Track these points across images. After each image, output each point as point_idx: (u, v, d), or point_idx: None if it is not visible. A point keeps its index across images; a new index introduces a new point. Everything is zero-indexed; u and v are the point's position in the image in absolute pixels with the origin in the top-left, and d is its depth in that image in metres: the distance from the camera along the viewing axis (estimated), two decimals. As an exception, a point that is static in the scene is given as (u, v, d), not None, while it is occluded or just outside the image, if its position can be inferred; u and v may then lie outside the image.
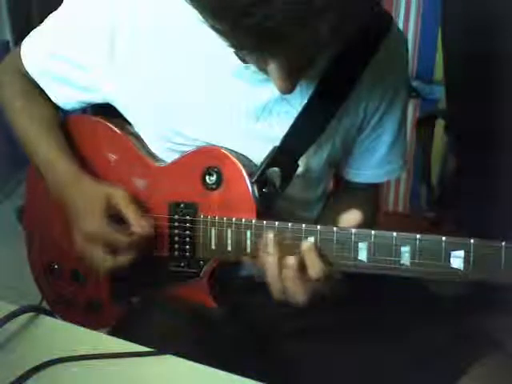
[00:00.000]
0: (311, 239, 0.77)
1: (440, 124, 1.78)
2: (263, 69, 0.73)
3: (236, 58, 0.81)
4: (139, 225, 0.87)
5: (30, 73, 0.98)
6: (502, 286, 0.71)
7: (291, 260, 0.76)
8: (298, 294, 0.78)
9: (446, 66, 1.56)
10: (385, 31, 0.89)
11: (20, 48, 0.99)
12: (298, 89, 0.86)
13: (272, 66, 0.69)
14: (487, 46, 1.39)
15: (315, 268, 0.76)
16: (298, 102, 0.87)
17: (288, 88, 0.72)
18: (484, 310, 1.15)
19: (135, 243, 0.88)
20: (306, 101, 0.87)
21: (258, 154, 0.87)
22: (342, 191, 1.07)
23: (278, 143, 0.87)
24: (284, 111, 0.88)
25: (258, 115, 0.87)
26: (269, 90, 0.85)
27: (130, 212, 0.88)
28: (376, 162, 0.99)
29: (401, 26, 1.95)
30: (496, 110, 1.40)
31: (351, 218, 0.76)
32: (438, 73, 1.96)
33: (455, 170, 1.67)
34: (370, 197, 1.06)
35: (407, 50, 0.96)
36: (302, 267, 0.77)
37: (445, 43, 1.54)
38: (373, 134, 0.96)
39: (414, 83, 2.00)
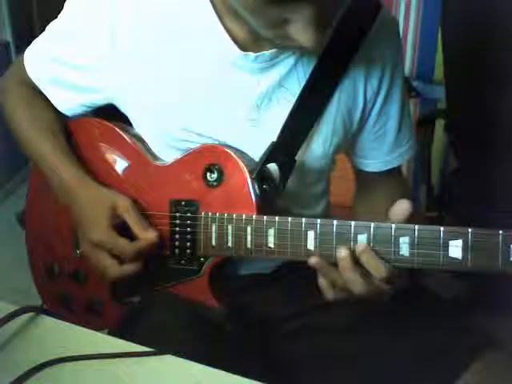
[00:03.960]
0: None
1: (440, 124, 1.78)
2: (279, 33, 0.74)
3: (234, 48, 0.83)
4: (143, 234, 0.88)
5: (32, 79, 0.99)
6: (500, 275, 0.72)
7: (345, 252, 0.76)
8: (357, 284, 0.77)
9: (446, 66, 1.56)
10: (375, 12, 0.90)
11: (22, 56, 1.00)
12: (295, 75, 0.87)
13: (299, 21, 0.70)
14: (487, 46, 1.39)
15: (377, 269, 0.75)
16: (296, 87, 0.88)
17: (318, 41, 0.72)
18: (484, 310, 1.15)
19: (140, 252, 0.88)
20: (303, 84, 0.88)
21: (261, 143, 0.88)
22: (367, 186, 1.07)
23: (279, 131, 0.88)
24: (283, 98, 0.88)
25: (259, 104, 0.88)
26: (268, 78, 0.87)
27: (134, 222, 0.89)
28: (387, 148, 1.00)
29: (401, 25, 1.95)
30: (496, 110, 1.40)
31: (403, 207, 0.75)
32: (438, 73, 1.96)
33: (455, 170, 1.67)
34: (398, 182, 1.06)
35: (398, 29, 0.97)
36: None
37: (445, 43, 1.55)
38: (379, 120, 0.96)
39: (414, 83, 2.00)
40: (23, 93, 1.01)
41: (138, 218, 0.89)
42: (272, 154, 0.88)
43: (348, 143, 0.98)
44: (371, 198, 1.07)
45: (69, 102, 0.98)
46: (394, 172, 1.04)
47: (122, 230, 0.89)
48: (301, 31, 0.71)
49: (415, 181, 2.17)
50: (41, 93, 1.00)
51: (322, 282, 0.80)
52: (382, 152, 1.00)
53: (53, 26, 0.96)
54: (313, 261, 0.78)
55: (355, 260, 0.76)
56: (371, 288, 0.77)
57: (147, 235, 0.88)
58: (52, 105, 0.99)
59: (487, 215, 1.34)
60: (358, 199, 1.10)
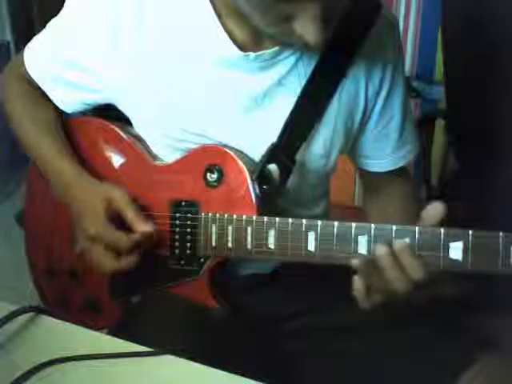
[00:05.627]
0: (406, 239, 0.75)
1: (440, 124, 1.78)
2: (284, 31, 0.75)
3: (234, 49, 0.84)
4: (140, 226, 0.88)
5: (33, 77, 0.99)
6: (500, 276, 0.72)
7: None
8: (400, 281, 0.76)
9: (446, 66, 1.56)
10: (376, 11, 0.91)
11: (23, 53, 1.00)
12: (296, 74, 0.87)
13: (305, 17, 0.71)
14: (487, 46, 1.39)
15: (413, 270, 0.75)
16: (297, 87, 0.88)
17: (321, 38, 0.73)
18: (484, 311, 1.15)
19: (137, 244, 0.88)
20: (304, 83, 0.88)
21: (261, 143, 0.88)
22: (374, 187, 1.07)
23: (280, 128, 0.88)
24: (284, 97, 0.88)
25: (260, 103, 0.88)
26: (268, 77, 0.87)
27: (130, 213, 0.88)
28: (392, 148, 0.99)
29: (401, 25, 1.95)
30: (496, 110, 1.40)
31: (437, 210, 0.75)
32: (438, 73, 1.96)
33: (455, 170, 1.67)
34: (406, 182, 1.06)
35: (398, 28, 0.97)
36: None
37: (445, 43, 1.54)
38: (382, 120, 0.96)
39: (414, 83, 2.00)
40: (23, 89, 1.01)
41: (134, 210, 0.89)
42: (272, 154, 0.88)
43: (350, 144, 0.98)
44: (379, 199, 1.07)
45: (68, 100, 0.98)
46: (401, 172, 1.04)
47: (120, 223, 0.89)
48: (306, 26, 0.72)
49: (415, 181, 2.17)
50: (40, 89, 1.00)
51: (359, 288, 0.78)
52: (386, 152, 1.00)
53: (53, 24, 0.96)
54: (356, 262, 0.77)
55: (394, 258, 0.75)
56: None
57: (144, 228, 0.88)
58: (51, 101, 0.99)
59: (487, 215, 1.34)
60: (366, 202, 1.10)
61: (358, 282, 0.78)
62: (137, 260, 0.89)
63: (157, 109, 0.91)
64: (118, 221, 0.89)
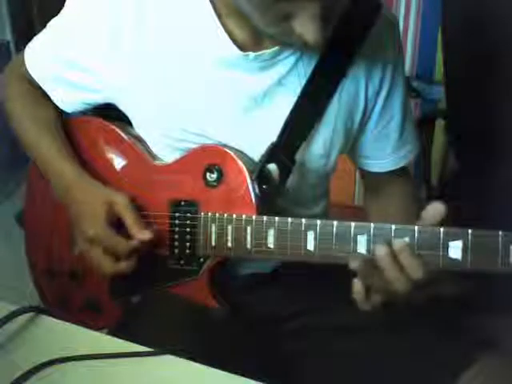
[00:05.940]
0: (406, 239, 0.75)
1: (440, 124, 1.78)
2: (284, 30, 0.75)
3: (233, 49, 0.84)
4: (138, 234, 0.88)
5: (33, 77, 0.99)
6: (499, 275, 0.72)
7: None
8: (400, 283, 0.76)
9: (446, 66, 1.56)
10: (376, 11, 0.91)
11: (23, 52, 1.01)
12: (296, 74, 0.88)
13: (304, 16, 0.72)
14: (487, 46, 1.39)
15: (413, 269, 0.75)
16: (297, 87, 0.88)
17: (321, 37, 0.73)
18: (484, 310, 1.15)
19: (135, 249, 0.88)
20: (304, 83, 0.88)
21: (261, 143, 0.88)
22: (375, 187, 1.08)
23: (280, 128, 0.88)
24: (284, 97, 0.88)
25: (259, 102, 0.88)
26: (268, 77, 0.87)
27: (130, 220, 0.89)
28: (392, 148, 1.00)
29: (401, 25, 1.95)
30: (496, 110, 1.40)
31: (438, 210, 0.75)
32: (438, 73, 1.96)
33: (455, 170, 1.67)
34: (406, 182, 1.06)
35: (398, 28, 0.97)
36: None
37: (445, 43, 1.54)
38: (382, 120, 0.97)
39: (414, 83, 2.00)
40: (23, 89, 1.01)
41: (134, 217, 0.89)
42: (272, 154, 0.88)
43: (350, 144, 0.98)
44: (380, 199, 1.07)
45: (69, 100, 0.98)
46: (401, 172, 1.04)
47: (119, 226, 0.89)
48: (305, 25, 0.73)
49: (415, 181, 2.17)
50: (41, 89, 1.00)
51: (359, 290, 0.78)
52: (386, 152, 1.00)
53: (53, 24, 0.97)
54: (355, 264, 0.77)
55: (394, 258, 0.75)
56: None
57: (142, 236, 0.88)
58: (52, 101, 0.99)
59: (487, 216, 1.34)
60: (367, 201, 1.11)
61: (357, 285, 0.78)
62: (135, 264, 0.90)
63: (157, 109, 0.91)
64: (118, 224, 0.89)
